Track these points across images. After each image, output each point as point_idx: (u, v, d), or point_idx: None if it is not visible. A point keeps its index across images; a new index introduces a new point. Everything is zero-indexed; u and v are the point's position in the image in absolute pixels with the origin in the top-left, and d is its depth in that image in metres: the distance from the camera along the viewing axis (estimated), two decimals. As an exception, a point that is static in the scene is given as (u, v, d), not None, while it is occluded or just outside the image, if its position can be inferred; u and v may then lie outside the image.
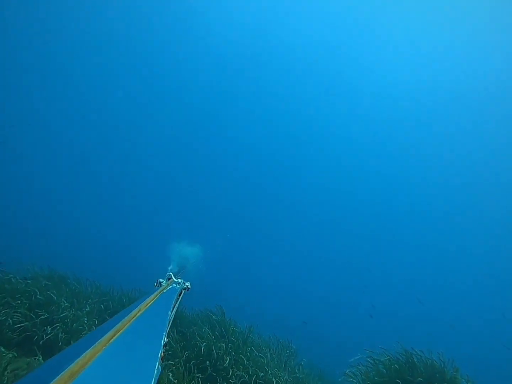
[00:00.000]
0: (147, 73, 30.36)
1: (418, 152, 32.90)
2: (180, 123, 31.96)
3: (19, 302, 4.70)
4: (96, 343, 0.81)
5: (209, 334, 5.19)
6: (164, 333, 1.18)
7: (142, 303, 1.41)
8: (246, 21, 30.74)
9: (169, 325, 1.56)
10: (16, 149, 26.96)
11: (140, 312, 1.26)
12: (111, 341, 0.88)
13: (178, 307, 2.33)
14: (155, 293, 1.82)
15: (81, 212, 24.77)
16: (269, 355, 5.42)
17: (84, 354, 0.73)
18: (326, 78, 33.13)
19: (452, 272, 29.15)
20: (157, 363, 0.88)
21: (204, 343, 4.97)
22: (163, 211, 28.93)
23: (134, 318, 1.16)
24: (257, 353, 5.13)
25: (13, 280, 5.15)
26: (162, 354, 1.04)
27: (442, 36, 30.13)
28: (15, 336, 4.33)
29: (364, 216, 32.73)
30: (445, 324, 18.39)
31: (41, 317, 4.56)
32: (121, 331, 0.97)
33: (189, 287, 2.96)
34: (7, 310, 4.50)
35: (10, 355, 3.94)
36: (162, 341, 1.10)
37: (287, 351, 6.14)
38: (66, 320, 4.81)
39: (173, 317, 1.87)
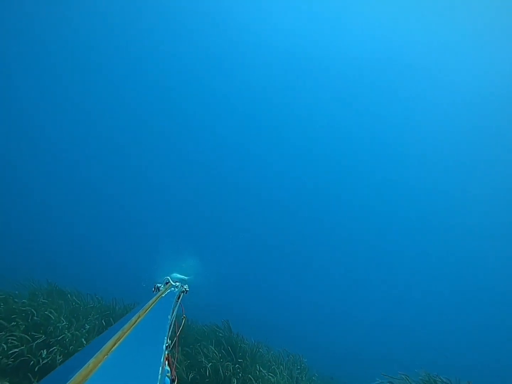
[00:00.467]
0: (141, 76, 29.75)
1: (418, 153, 31.60)
2: (179, 126, 31.41)
3: (15, 324, 4.46)
4: (97, 352, 0.79)
5: (215, 353, 4.91)
6: (165, 337, 1.16)
7: (141, 309, 1.40)
8: (242, 21, 29.83)
9: (171, 329, 1.57)
10: (12, 159, 26.61)
11: (140, 318, 1.26)
12: (112, 349, 0.87)
13: (177, 310, 2.32)
14: (154, 298, 1.83)
15: (82, 224, 24.43)
16: (278, 373, 5.11)
17: (86, 364, 0.71)
18: (326, 77, 32.03)
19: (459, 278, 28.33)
20: (160, 368, 0.85)
21: (210, 363, 4.69)
22: (167, 223, 28.33)
23: (134, 324, 1.15)
24: (265, 373, 4.83)
25: (8, 299, 4.92)
26: (167, 356, 1.09)
27: (440, 35, 28.70)
28: (10, 362, 4.09)
29: (377, 225, 31.77)
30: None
31: (38, 341, 4.31)
32: (122, 339, 0.96)
33: (187, 290, 2.94)
34: (2, 333, 4.26)
35: (3, 385, 3.72)
36: (164, 345, 1.08)
37: (298, 366, 5.82)
38: (64, 342, 4.56)
39: (173, 320, 1.90)
